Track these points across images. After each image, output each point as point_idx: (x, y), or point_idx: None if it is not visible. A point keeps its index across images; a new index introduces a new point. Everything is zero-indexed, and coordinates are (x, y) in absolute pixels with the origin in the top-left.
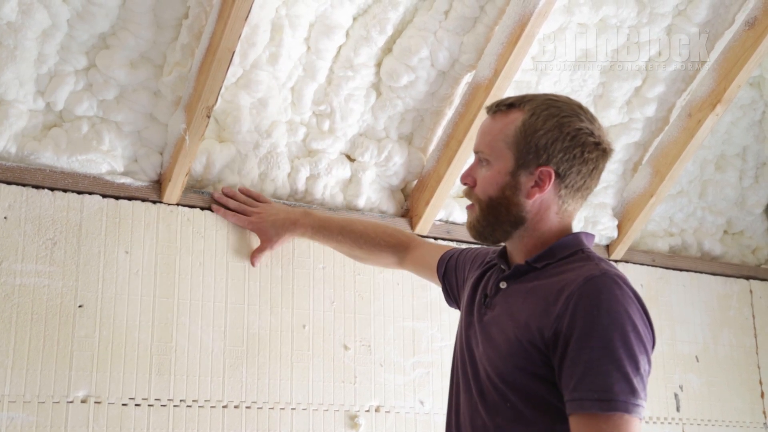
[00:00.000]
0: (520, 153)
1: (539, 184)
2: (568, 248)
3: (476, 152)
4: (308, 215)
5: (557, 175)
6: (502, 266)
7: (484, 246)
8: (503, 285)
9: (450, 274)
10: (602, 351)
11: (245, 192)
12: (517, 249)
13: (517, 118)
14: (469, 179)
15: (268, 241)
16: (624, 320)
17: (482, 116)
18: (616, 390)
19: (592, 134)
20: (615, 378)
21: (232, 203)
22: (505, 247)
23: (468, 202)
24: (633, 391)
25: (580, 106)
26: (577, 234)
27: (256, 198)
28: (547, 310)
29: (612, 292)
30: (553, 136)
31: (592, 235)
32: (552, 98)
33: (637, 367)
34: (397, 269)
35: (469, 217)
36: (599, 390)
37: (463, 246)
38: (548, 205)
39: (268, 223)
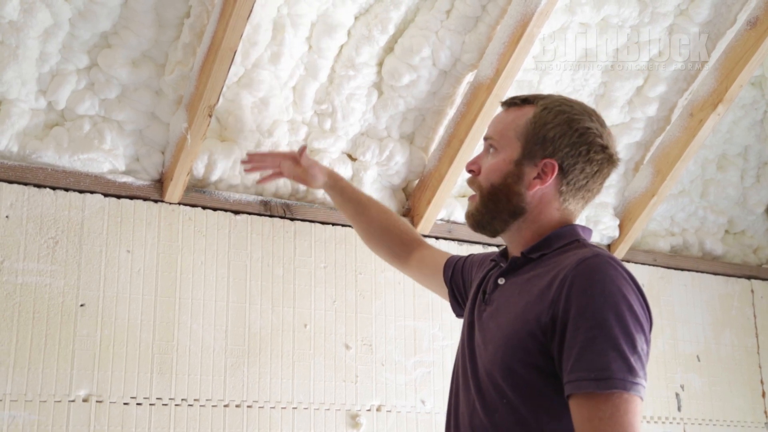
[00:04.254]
0: (527, 143)
1: (541, 176)
2: (564, 238)
3: (486, 138)
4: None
5: (560, 169)
6: (501, 264)
7: (488, 251)
8: (501, 281)
9: (457, 276)
10: (597, 330)
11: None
12: (515, 242)
13: (529, 111)
14: (474, 166)
15: (311, 179)
16: (618, 299)
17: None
18: (613, 368)
19: (600, 136)
20: (612, 357)
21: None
22: (506, 247)
23: (468, 196)
24: (630, 370)
25: (593, 111)
26: (574, 225)
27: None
28: (543, 296)
29: (605, 272)
30: (561, 131)
31: (590, 229)
32: (566, 98)
33: (633, 346)
34: (396, 263)
35: (469, 207)
36: (596, 369)
37: (464, 246)
38: (549, 200)
39: (312, 167)
